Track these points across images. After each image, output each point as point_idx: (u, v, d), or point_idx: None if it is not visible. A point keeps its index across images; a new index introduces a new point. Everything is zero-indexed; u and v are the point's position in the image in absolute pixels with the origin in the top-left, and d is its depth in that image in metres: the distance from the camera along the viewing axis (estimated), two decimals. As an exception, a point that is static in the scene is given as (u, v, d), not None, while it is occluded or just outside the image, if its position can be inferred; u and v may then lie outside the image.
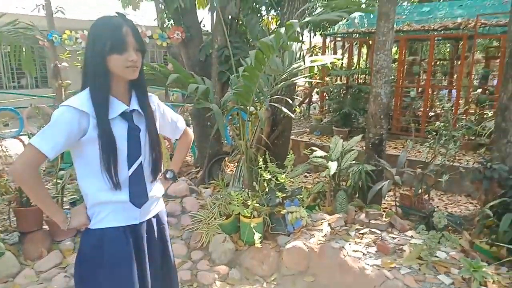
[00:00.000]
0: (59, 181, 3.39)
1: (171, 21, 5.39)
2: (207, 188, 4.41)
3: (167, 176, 1.78)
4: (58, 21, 5.91)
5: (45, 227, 3.24)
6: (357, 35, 9.40)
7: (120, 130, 1.45)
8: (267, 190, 3.28)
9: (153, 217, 1.63)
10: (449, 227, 3.57)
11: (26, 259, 3.01)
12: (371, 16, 8.47)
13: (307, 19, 2.73)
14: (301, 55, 3.32)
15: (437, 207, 4.41)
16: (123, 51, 1.38)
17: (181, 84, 3.41)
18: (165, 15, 5.40)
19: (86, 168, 1.45)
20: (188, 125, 6.39)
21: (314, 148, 4.38)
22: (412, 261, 2.84)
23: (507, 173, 3.23)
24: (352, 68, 8.99)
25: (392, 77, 7.97)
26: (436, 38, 8.14)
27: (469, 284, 2.54)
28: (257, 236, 2.96)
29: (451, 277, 2.65)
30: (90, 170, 1.44)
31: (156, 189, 1.64)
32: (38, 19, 5.37)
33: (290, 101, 4.19)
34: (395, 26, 6.38)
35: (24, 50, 4.48)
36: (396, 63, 8.57)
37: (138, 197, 1.53)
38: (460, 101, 7.05)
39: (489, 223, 3.21)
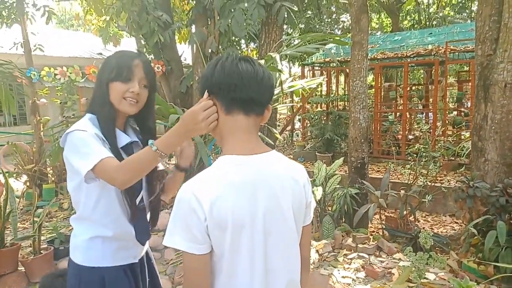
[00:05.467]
0: (36, 219, 3.26)
1: (151, 55, 5.46)
2: (191, 220, 4.31)
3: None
4: (37, 58, 5.90)
5: (21, 268, 3.08)
6: (334, 64, 9.71)
7: None
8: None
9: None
10: (436, 248, 3.56)
11: (-1, 305, 2.84)
12: (347, 46, 8.79)
13: (287, 52, 2.80)
14: (280, 82, 3.39)
15: (423, 228, 4.41)
16: (127, 80, 1.34)
17: (162, 115, 3.40)
18: (145, 50, 5.47)
19: (102, 194, 1.34)
20: (171, 156, 6.37)
21: (298, 175, 4.38)
22: (401, 284, 2.80)
23: (488, 190, 3.28)
24: (331, 95, 9.21)
25: (370, 102, 8.19)
26: (409, 65, 8.47)
27: (460, 304, 2.51)
28: (244, 266, 2.88)
29: (441, 298, 2.62)
30: (106, 198, 1.34)
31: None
32: (16, 57, 5.34)
33: (272, 129, 4.23)
34: (369, 54, 6.64)
35: (2, 88, 4.42)
36: (373, 89, 8.83)
37: (142, 233, 1.46)
38: (437, 123, 7.25)
39: (475, 242, 3.22)
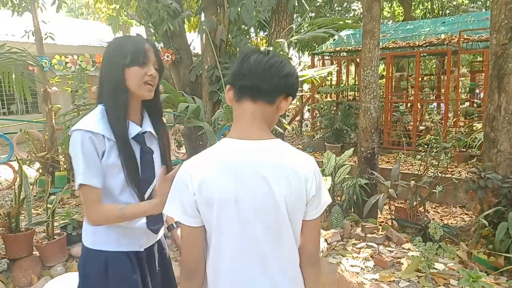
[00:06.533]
0: (49, 205, 3.32)
1: (161, 44, 5.46)
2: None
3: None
4: (48, 47, 5.94)
5: (35, 252, 3.15)
6: (345, 54, 9.59)
7: None
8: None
9: (154, 243, 1.55)
10: (446, 239, 3.55)
11: (15, 287, 2.91)
12: (358, 35, 8.68)
13: (295, 37, 2.77)
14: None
15: (433, 219, 4.39)
16: (143, 64, 1.34)
17: (172, 104, 3.41)
18: (154, 38, 5.47)
19: (103, 191, 1.35)
20: (180, 145, 6.35)
21: (307, 164, 4.38)
22: (410, 274, 2.80)
23: (500, 181, 3.25)
24: (341, 85, 9.12)
25: (381, 92, 8.10)
26: (421, 54, 8.33)
27: (469, 295, 2.50)
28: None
29: (450, 288, 2.62)
30: (106, 193, 1.35)
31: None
32: (27, 45, 5.38)
33: (281, 119, 4.21)
34: (381, 43, 6.54)
35: (14, 75, 4.45)
36: (384, 79, 8.72)
37: (155, 222, 1.46)
38: (449, 114, 7.16)
39: (486, 233, 3.20)
